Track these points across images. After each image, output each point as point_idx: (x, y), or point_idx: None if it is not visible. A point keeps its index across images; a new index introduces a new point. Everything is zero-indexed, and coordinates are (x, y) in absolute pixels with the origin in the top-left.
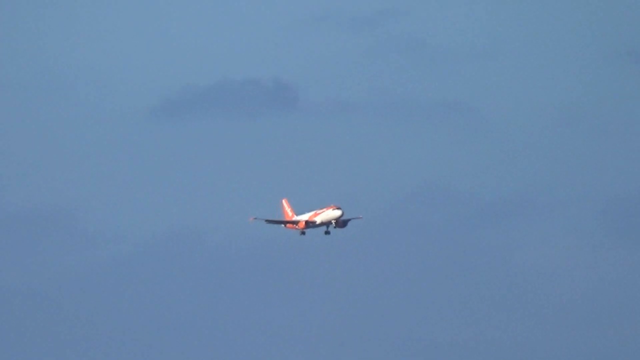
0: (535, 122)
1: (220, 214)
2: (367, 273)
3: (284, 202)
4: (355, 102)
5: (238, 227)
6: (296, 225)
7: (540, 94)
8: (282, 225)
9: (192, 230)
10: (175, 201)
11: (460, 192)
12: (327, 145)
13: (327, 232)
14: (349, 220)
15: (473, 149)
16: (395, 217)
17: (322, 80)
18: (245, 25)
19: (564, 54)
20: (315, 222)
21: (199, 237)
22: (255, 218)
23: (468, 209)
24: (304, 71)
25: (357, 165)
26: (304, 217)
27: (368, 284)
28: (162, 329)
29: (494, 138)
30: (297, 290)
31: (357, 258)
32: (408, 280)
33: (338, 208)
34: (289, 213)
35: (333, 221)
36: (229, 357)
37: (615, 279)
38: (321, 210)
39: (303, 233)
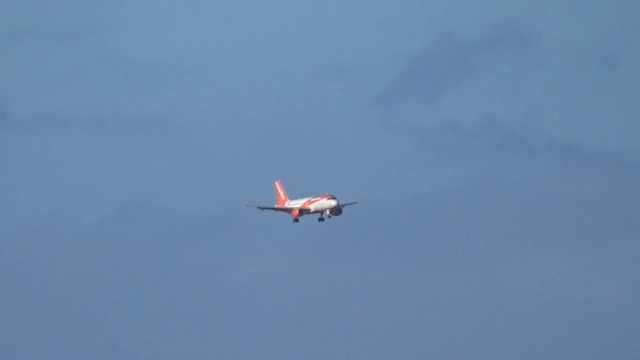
0: (239, 136)
1: None
2: None
3: (277, 183)
4: (61, 117)
5: None
6: (290, 212)
7: (243, 108)
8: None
9: None
10: None
11: (167, 208)
12: (35, 160)
13: (321, 219)
14: (344, 206)
15: (177, 164)
16: (104, 233)
17: (28, 94)
18: None
19: (268, 68)
20: (309, 209)
21: None
22: (247, 205)
23: (177, 225)
24: (8, 86)
25: (65, 181)
26: (298, 204)
27: None
28: None
29: (197, 153)
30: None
31: None
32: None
33: (333, 198)
34: (282, 196)
35: (327, 210)
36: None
37: (326, 288)
38: (315, 199)
39: (296, 220)
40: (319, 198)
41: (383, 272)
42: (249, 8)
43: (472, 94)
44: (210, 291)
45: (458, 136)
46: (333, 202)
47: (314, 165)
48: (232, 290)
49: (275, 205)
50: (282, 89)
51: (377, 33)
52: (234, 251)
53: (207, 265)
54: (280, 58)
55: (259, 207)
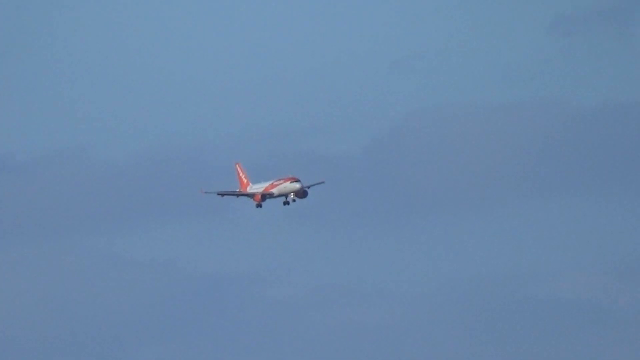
0: None
1: None
2: None
3: (238, 167)
4: None
5: None
6: (252, 197)
7: None
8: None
9: None
10: None
11: None
12: None
13: (286, 203)
14: (309, 187)
15: None
16: None
17: None
18: None
19: None
20: (272, 193)
21: None
22: (206, 192)
23: None
24: None
25: None
26: (260, 189)
27: None
28: None
29: None
30: None
31: None
32: None
33: (297, 180)
34: (243, 180)
35: (292, 193)
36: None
37: None
38: (278, 182)
39: (259, 206)
40: (281, 181)
41: None
42: None
43: None
44: None
45: None
46: (297, 185)
47: None
48: None
49: (238, 190)
50: None
51: None
52: None
53: None
54: None
55: (219, 194)
